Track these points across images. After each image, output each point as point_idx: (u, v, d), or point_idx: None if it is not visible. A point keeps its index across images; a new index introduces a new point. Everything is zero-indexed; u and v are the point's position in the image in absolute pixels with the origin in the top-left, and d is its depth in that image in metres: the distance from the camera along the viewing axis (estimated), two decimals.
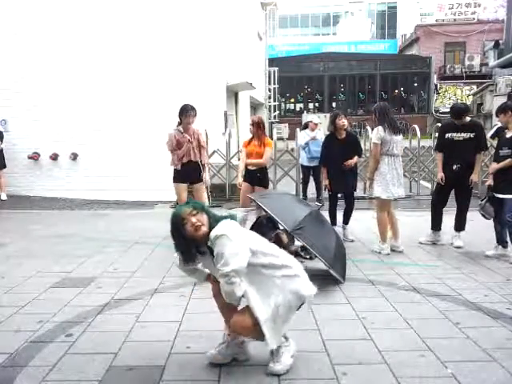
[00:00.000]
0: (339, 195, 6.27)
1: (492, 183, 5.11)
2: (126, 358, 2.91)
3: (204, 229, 2.54)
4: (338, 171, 5.87)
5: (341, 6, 43.57)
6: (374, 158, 5.33)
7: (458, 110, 5.56)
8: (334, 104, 31.74)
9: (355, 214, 6.22)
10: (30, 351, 3.00)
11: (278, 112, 25.12)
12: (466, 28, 30.93)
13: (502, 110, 5.10)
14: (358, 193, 6.59)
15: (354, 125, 24.73)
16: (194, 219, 2.54)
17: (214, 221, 2.59)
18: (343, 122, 5.87)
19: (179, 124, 5.62)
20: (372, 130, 5.73)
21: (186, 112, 5.44)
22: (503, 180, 4.99)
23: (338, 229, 5.96)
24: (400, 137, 5.39)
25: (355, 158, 5.96)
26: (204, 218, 2.57)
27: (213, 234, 2.49)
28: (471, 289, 4.12)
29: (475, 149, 5.44)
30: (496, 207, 5.05)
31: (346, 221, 6.06)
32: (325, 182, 6.05)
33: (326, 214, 5.71)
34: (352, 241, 5.87)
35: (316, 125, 8.68)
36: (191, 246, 2.60)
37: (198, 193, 5.72)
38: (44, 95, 9.44)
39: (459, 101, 27.41)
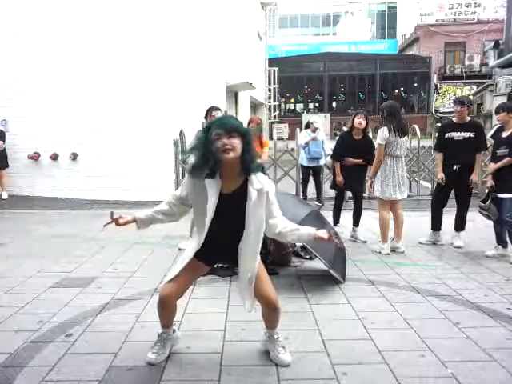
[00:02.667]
0: (348, 195, 6.25)
1: (493, 183, 5.11)
2: (126, 358, 2.91)
3: (232, 155, 2.37)
4: (347, 170, 5.88)
5: (341, 6, 43.60)
6: (378, 158, 5.33)
7: (462, 98, 5.64)
8: (334, 104, 31.79)
9: None
10: (30, 351, 3.00)
11: (277, 112, 25.13)
12: (466, 28, 30.95)
13: (504, 108, 5.11)
14: None
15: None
16: (226, 140, 2.35)
17: (250, 157, 2.45)
18: (360, 121, 5.77)
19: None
20: (374, 129, 5.73)
21: (210, 112, 5.49)
22: (502, 179, 5.00)
23: (339, 229, 5.96)
24: (405, 138, 5.39)
25: (358, 160, 5.88)
26: (238, 144, 2.38)
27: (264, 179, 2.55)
28: (471, 289, 4.12)
29: (475, 149, 5.44)
30: (497, 207, 5.05)
31: (356, 223, 6.01)
32: (338, 178, 5.96)
33: (326, 214, 5.71)
34: (365, 242, 5.80)
35: (316, 128, 8.64)
36: (210, 162, 2.42)
37: None
38: (44, 95, 9.44)
39: None
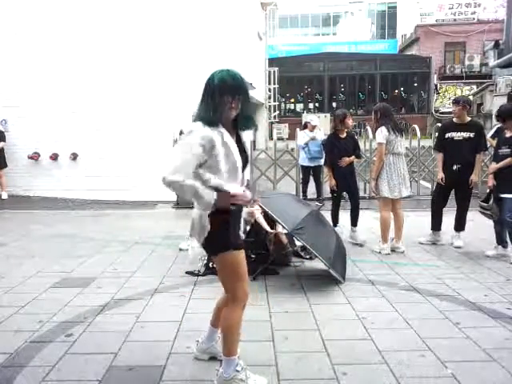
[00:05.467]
0: (343, 194, 6.25)
1: (495, 183, 5.09)
2: (125, 358, 2.91)
3: (234, 113, 2.47)
4: (341, 171, 5.90)
5: (341, 6, 43.58)
6: (380, 158, 5.31)
7: (458, 98, 5.68)
8: (334, 104, 31.75)
9: None
10: (30, 351, 3.00)
11: (277, 112, 25.13)
12: (466, 28, 30.92)
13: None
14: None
15: (354, 125, 24.75)
16: (233, 103, 2.42)
17: (244, 115, 2.52)
18: (352, 121, 5.99)
19: None
20: (372, 130, 5.74)
21: None
22: (503, 179, 4.99)
23: (339, 229, 5.95)
24: (403, 138, 5.41)
25: (352, 157, 5.99)
26: (238, 105, 2.46)
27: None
28: (471, 289, 4.12)
29: (475, 149, 5.44)
30: (499, 207, 5.05)
31: (354, 223, 5.96)
32: (331, 182, 6.00)
33: (326, 214, 5.71)
34: (361, 245, 5.73)
35: (314, 127, 8.62)
36: (217, 111, 2.43)
37: None
38: (44, 95, 9.43)
39: None
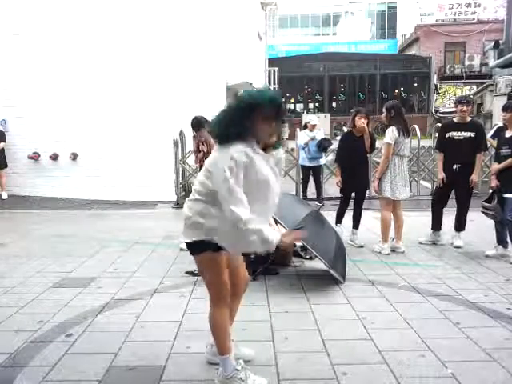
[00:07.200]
0: (352, 195, 6.20)
1: (498, 183, 5.09)
2: (125, 358, 2.91)
3: (272, 140, 2.29)
4: (352, 171, 5.70)
5: (341, 6, 43.57)
6: (386, 158, 5.27)
7: (467, 98, 5.69)
8: (334, 104, 31.78)
9: None
10: (30, 351, 3.00)
11: None
12: (465, 28, 30.89)
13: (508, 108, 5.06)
14: None
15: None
16: (273, 127, 2.24)
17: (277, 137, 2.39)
18: (362, 122, 5.56)
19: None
20: (374, 129, 5.71)
21: None
22: (505, 179, 4.99)
23: (338, 229, 5.94)
24: (409, 139, 5.40)
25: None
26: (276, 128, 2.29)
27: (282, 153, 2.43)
28: (471, 289, 4.12)
29: (475, 149, 5.44)
30: (501, 207, 5.04)
31: (356, 225, 5.87)
32: (336, 179, 5.89)
33: (326, 214, 5.70)
34: (361, 246, 5.66)
35: (314, 126, 8.64)
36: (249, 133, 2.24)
37: None
38: (44, 95, 9.43)
39: None
